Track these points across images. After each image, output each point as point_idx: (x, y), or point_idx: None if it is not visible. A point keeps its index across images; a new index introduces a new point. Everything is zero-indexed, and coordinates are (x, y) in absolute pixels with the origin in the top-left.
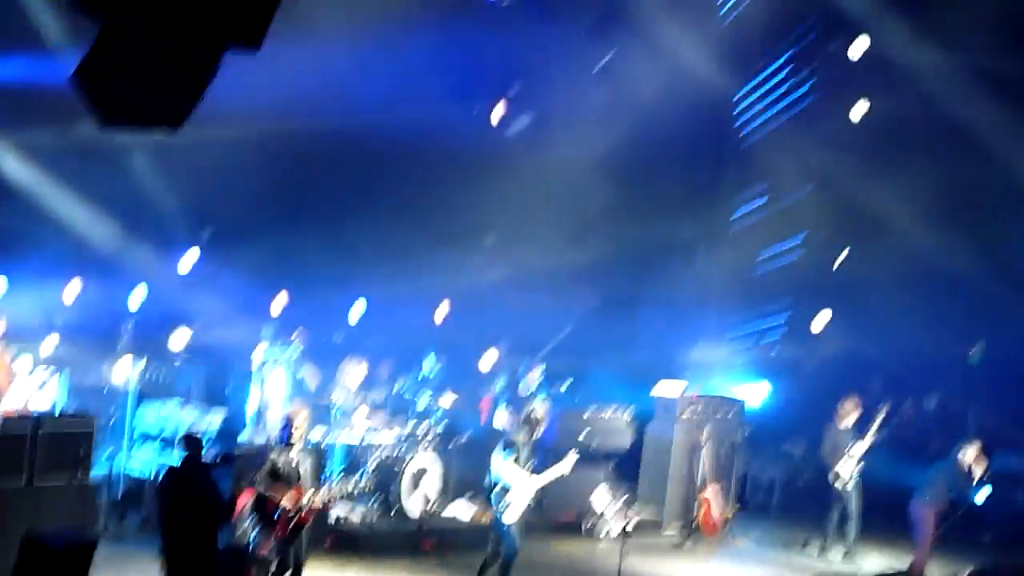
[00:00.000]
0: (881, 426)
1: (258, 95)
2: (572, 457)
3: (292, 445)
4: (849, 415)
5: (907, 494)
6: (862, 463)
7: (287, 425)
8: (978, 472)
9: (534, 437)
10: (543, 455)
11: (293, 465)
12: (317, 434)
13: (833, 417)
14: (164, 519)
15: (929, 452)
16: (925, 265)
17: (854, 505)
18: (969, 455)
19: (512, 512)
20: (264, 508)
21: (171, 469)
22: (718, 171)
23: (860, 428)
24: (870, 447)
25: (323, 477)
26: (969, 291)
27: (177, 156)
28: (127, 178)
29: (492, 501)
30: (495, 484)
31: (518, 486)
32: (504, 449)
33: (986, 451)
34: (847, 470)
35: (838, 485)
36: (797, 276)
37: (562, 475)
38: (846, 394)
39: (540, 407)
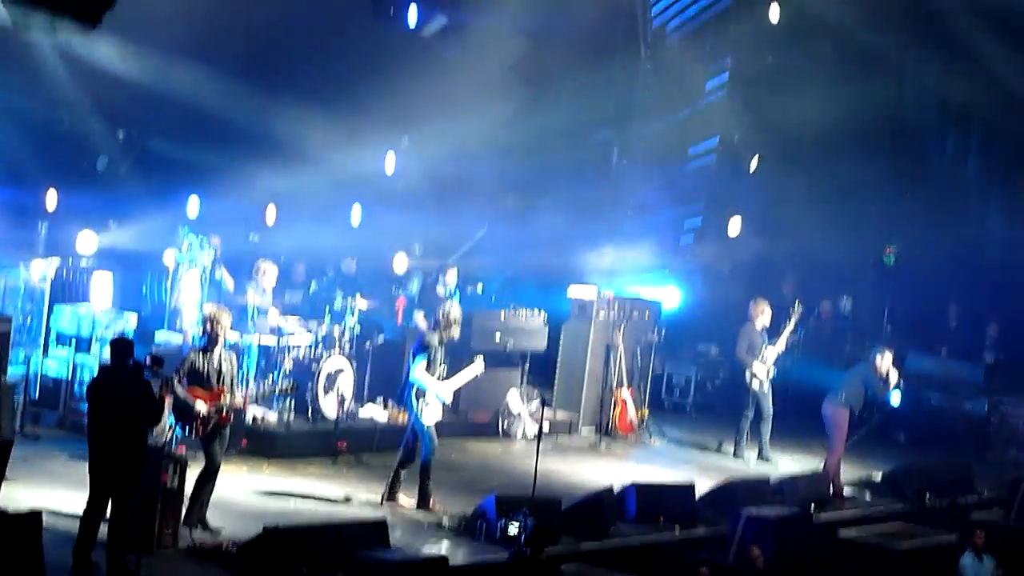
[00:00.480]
0: (796, 326)
1: None
2: (479, 364)
3: (212, 347)
4: (762, 314)
5: (821, 396)
6: (776, 363)
7: (207, 326)
8: (893, 378)
9: (449, 338)
10: (455, 357)
11: (214, 366)
12: (233, 335)
13: (748, 316)
14: (92, 421)
15: (844, 355)
16: (838, 171)
17: (768, 405)
18: (885, 360)
19: (429, 414)
20: (183, 409)
21: (101, 370)
22: (634, 70)
23: (774, 329)
24: (785, 348)
25: (240, 378)
26: (882, 196)
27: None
28: (40, 81)
29: (408, 403)
30: (411, 386)
31: (433, 388)
32: (419, 351)
33: (899, 354)
34: (762, 370)
35: (754, 385)
36: (712, 179)
37: (475, 377)
38: (767, 296)
39: (454, 308)
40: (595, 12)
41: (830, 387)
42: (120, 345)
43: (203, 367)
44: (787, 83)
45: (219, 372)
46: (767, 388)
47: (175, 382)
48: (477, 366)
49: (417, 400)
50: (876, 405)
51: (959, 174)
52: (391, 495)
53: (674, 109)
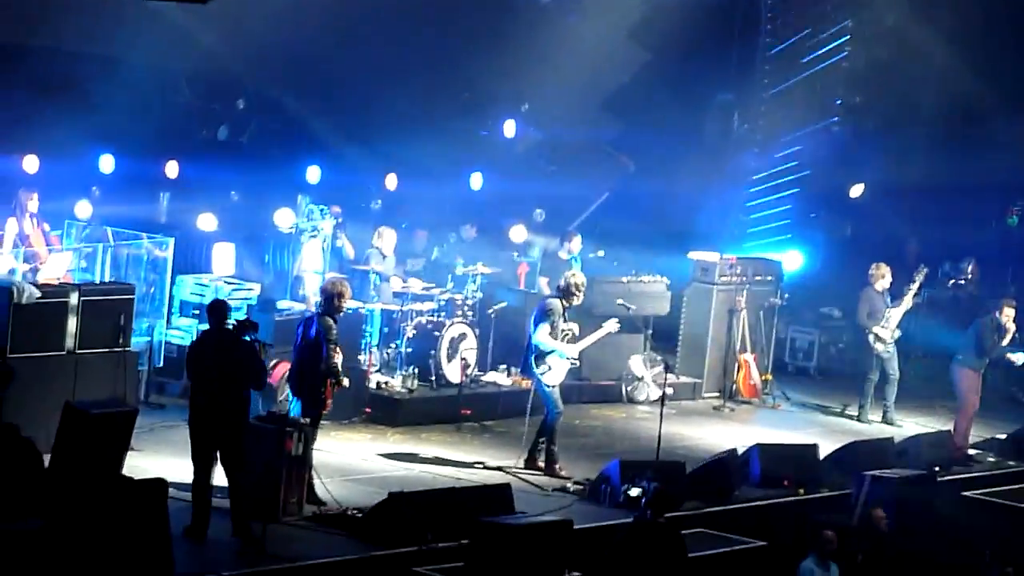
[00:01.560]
0: (920, 289)
1: None
2: (612, 324)
3: (333, 314)
4: (883, 278)
5: (947, 357)
6: (900, 326)
7: (329, 296)
8: (1010, 332)
9: (571, 305)
10: (581, 324)
11: (334, 333)
12: (355, 303)
13: (868, 280)
14: (194, 386)
15: (967, 315)
16: (960, 132)
17: (893, 367)
18: (1006, 314)
19: (551, 376)
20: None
21: (200, 335)
22: (754, 34)
23: (897, 291)
24: (909, 310)
25: (363, 344)
26: (1006, 157)
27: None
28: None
29: (529, 368)
30: (532, 351)
31: (558, 349)
32: (541, 317)
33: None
34: (885, 333)
35: (877, 348)
36: (834, 142)
37: (608, 334)
38: (889, 260)
39: (578, 275)
40: None
41: (955, 348)
42: (217, 307)
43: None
44: (908, 45)
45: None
46: (891, 351)
47: (332, 351)
48: (610, 325)
49: (537, 364)
50: (999, 362)
51: None
52: (531, 461)
53: (795, 72)
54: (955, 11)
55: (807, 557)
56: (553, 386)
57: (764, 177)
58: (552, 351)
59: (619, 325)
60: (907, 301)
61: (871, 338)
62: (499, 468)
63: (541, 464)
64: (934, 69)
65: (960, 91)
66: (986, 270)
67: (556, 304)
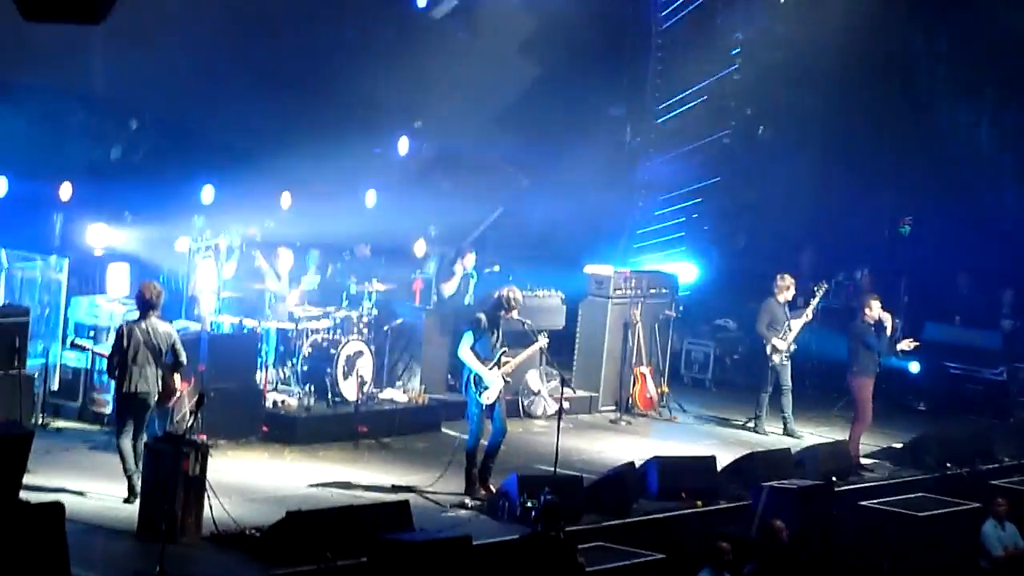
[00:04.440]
0: (820, 301)
1: None
2: (542, 340)
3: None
4: (787, 289)
5: (841, 366)
6: (796, 339)
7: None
8: (888, 322)
9: (511, 317)
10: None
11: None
12: (251, 322)
13: (772, 291)
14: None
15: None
16: (852, 143)
17: (786, 379)
18: (873, 308)
19: (487, 395)
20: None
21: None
22: (646, 47)
23: (795, 303)
24: (807, 323)
25: (259, 362)
26: (897, 167)
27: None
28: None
29: (467, 386)
30: (466, 371)
31: (475, 368)
32: (466, 327)
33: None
34: (783, 345)
35: (773, 359)
36: (726, 154)
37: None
38: (782, 270)
39: (514, 289)
40: None
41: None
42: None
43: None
44: (798, 56)
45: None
46: (786, 362)
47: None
48: (540, 342)
49: (476, 384)
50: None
51: (972, 141)
52: (483, 485)
53: (686, 85)
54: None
55: (702, 569)
56: (488, 404)
57: (658, 190)
58: (480, 372)
59: (548, 341)
60: (807, 314)
61: (768, 348)
62: (409, 488)
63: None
64: (825, 78)
65: (852, 101)
66: (880, 279)
67: (481, 318)
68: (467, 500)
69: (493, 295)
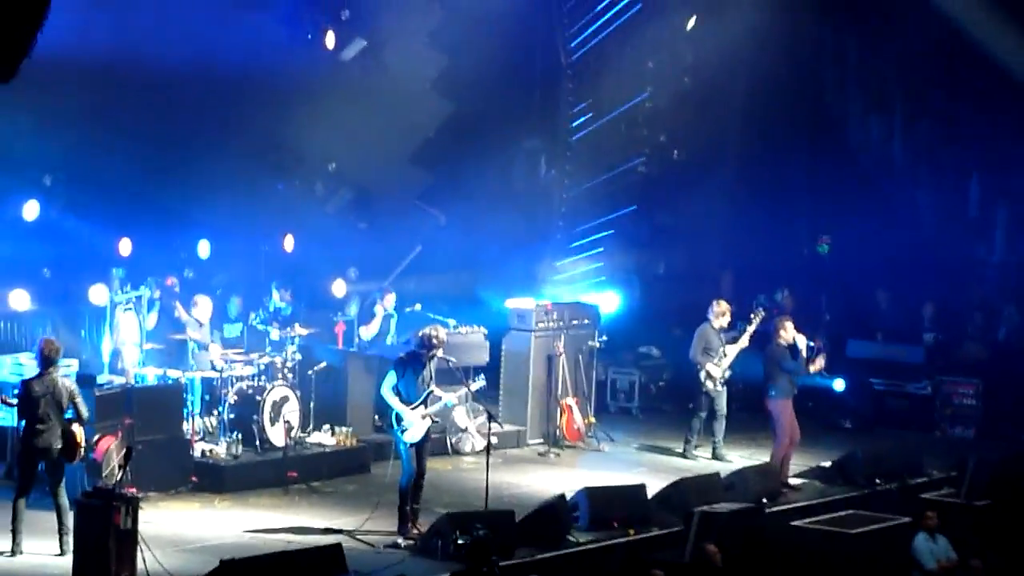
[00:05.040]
0: (756, 328)
1: (88, 34)
2: (478, 383)
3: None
4: (723, 315)
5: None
6: (732, 366)
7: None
8: (802, 343)
9: (434, 356)
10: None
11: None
12: (175, 373)
13: (707, 316)
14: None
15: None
16: (767, 164)
17: (722, 404)
18: (787, 330)
19: (411, 434)
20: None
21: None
22: (556, 79)
23: (730, 328)
24: (743, 349)
25: (184, 412)
26: (811, 186)
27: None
28: None
29: (391, 425)
30: (390, 411)
31: (395, 406)
32: (392, 367)
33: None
34: (717, 371)
35: (708, 384)
36: (641, 182)
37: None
38: (704, 295)
39: (438, 329)
40: (512, 27)
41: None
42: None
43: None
44: (709, 80)
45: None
46: (721, 389)
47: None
48: (477, 383)
49: (397, 422)
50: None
51: (885, 155)
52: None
53: (598, 115)
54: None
55: None
56: (408, 442)
57: (575, 220)
58: (401, 412)
59: (483, 384)
60: (743, 341)
61: (703, 375)
62: (341, 531)
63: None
64: (736, 100)
65: (764, 121)
66: (801, 299)
67: (404, 358)
68: (400, 540)
69: (417, 335)
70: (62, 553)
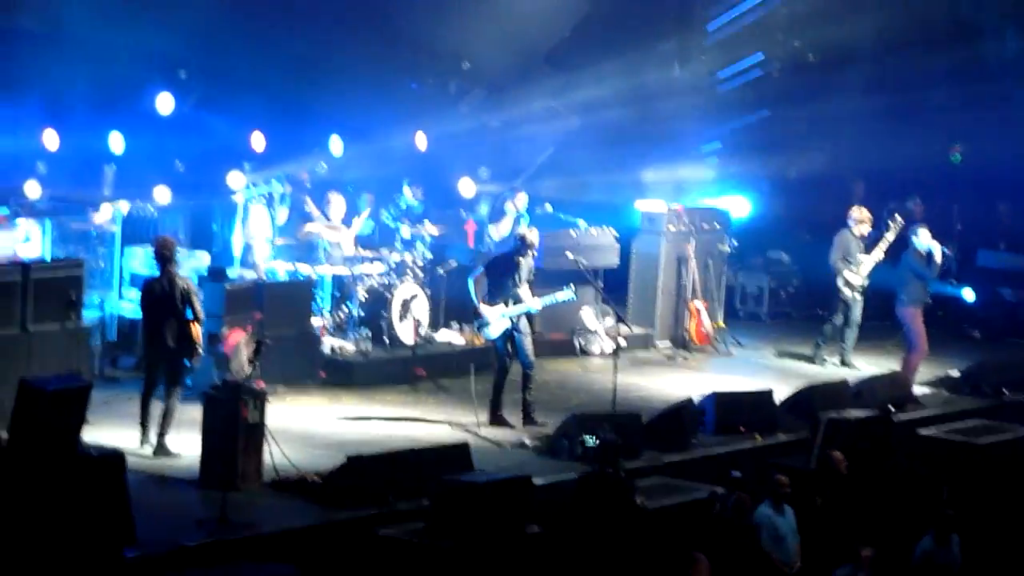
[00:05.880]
0: (896, 237)
1: None
2: (569, 291)
3: None
4: (864, 222)
5: (893, 296)
6: (869, 275)
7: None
8: (938, 252)
9: (527, 257)
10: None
11: None
12: (306, 268)
13: (847, 223)
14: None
15: None
16: (900, 71)
17: (857, 313)
18: (923, 237)
19: (492, 330)
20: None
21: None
22: None
23: (871, 236)
24: (880, 260)
25: (314, 308)
26: (946, 98)
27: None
28: (96, 22)
29: (474, 320)
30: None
31: (482, 306)
32: (478, 268)
33: (969, 251)
34: (857, 279)
35: (845, 292)
36: (774, 86)
37: (564, 302)
38: (835, 200)
39: (532, 231)
40: None
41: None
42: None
43: None
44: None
45: None
46: (858, 297)
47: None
48: (566, 293)
49: (475, 317)
50: (939, 292)
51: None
52: (494, 417)
53: (735, 18)
54: None
55: (762, 503)
56: (496, 337)
57: (706, 122)
58: (480, 307)
59: (574, 294)
60: (879, 251)
61: (840, 281)
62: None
63: (507, 419)
64: (871, 8)
65: (898, 30)
66: (931, 208)
67: (496, 258)
68: (526, 439)
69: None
70: (154, 455)
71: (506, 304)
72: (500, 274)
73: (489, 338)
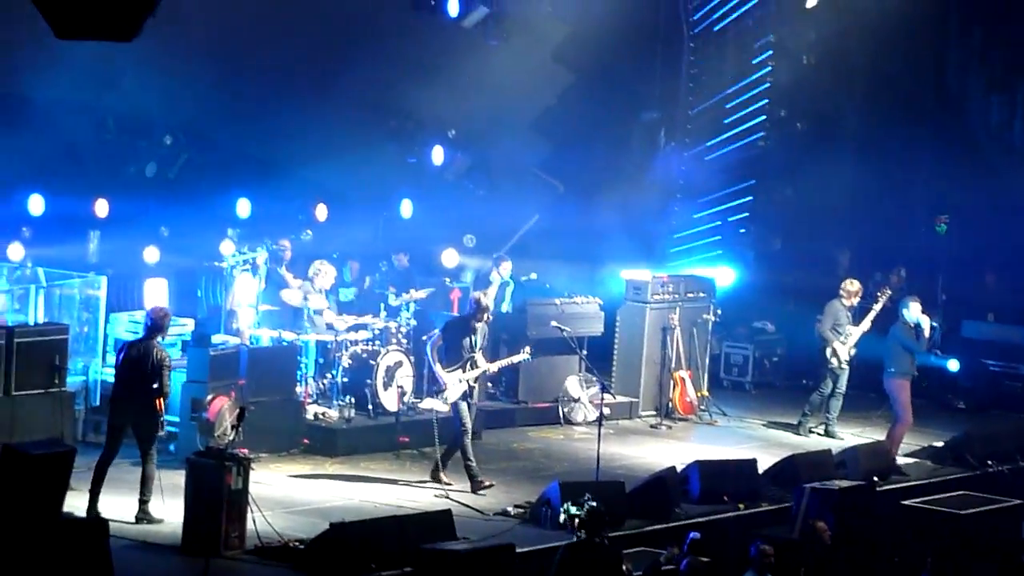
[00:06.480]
0: (882, 308)
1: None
2: (526, 351)
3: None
4: (855, 295)
5: (879, 368)
6: (857, 344)
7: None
8: (926, 326)
9: (482, 322)
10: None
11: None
12: (290, 335)
13: (839, 294)
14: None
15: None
16: (886, 143)
17: (843, 384)
18: (913, 310)
19: (448, 394)
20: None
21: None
22: (678, 51)
23: (859, 308)
24: (867, 331)
25: (299, 375)
26: (930, 166)
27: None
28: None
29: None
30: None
31: (440, 371)
32: (438, 332)
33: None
34: (844, 350)
35: (835, 362)
36: (760, 157)
37: (519, 363)
38: (821, 271)
39: (484, 295)
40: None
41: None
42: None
43: None
44: (831, 55)
45: None
46: (845, 367)
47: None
48: (521, 355)
49: (433, 383)
50: (925, 363)
51: (1005, 138)
52: (435, 474)
53: (719, 88)
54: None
55: (746, 572)
56: (452, 400)
57: (693, 194)
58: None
59: (529, 354)
60: (867, 321)
61: (828, 351)
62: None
63: (444, 478)
64: (857, 80)
65: (884, 102)
66: (917, 279)
67: (452, 322)
68: (510, 508)
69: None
70: (136, 521)
71: (463, 369)
72: (456, 336)
73: (447, 402)
